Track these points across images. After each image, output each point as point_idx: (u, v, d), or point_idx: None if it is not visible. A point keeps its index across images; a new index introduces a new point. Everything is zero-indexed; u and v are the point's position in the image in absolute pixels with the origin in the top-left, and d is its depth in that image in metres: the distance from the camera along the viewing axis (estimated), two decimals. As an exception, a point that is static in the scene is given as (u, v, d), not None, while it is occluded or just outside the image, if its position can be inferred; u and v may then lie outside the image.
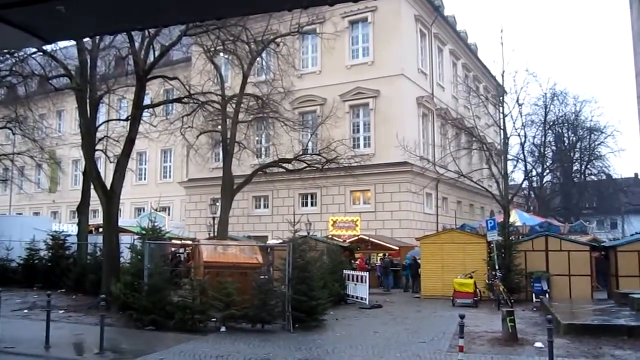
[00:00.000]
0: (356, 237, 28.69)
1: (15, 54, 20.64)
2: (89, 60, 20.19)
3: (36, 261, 25.00)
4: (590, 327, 13.73)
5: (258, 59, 23.51)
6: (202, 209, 35.93)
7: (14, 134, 29.80)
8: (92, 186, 21.54)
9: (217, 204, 25.25)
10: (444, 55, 39.11)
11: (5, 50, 17.64)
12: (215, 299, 14.11)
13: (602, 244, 25.23)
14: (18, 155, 30.48)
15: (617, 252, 21.46)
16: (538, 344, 12.13)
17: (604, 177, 49.38)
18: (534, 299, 20.35)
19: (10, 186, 40.66)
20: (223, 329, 14.13)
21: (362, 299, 20.04)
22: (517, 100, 28.28)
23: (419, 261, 24.33)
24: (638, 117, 16.22)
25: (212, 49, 21.58)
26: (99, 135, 22.38)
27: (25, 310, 17.25)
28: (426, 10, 35.61)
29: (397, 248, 28.24)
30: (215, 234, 23.76)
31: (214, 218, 27.25)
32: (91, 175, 20.41)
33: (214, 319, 14.33)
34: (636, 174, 57.09)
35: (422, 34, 35.55)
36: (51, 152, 32.94)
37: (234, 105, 22.75)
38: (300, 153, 25.59)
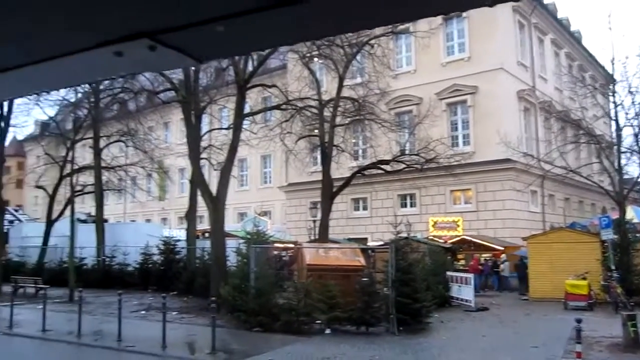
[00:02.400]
0: (458, 238, 28.01)
1: (127, 72, 21.95)
2: (192, 74, 21.14)
3: (150, 265, 26.51)
4: None
5: (353, 61, 23.59)
6: (302, 212, 36.52)
7: (126, 146, 31.78)
8: (198, 193, 22.49)
9: (317, 207, 25.56)
10: (545, 46, 37.34)
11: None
12: (319, 301, 14.27)
13: None
14: (130, 166, 32.52)
15: None
16: (665, 351, 11.25)
17: None
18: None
19: (124, 195, 43.38)
20: (328, 331, 14.27)
21: (467, 301, 19.52)
22: (629, 89, 26.41)
23: (525, 262, 23.37)
24: None
25: (308, 54, 21.90)
26: (203, 144, 23.38)
27: (143, 312, 18.30)
28: (524, 0, 34.17)
29: (501, 248, 27.26)
30: (316, 236, 24.08)
31: (314, 221, 27.62)
32: (198, 182, 21.33)
33: (319, 321, 14.50)
34: None
35: (521, 25, 34.15)
36: (160, 162, 34.82)
37: (331, 109, 22.98)
38: (399, 154, 25.38)
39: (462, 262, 26.99)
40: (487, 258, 27.56)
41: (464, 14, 31.93)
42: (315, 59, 24.14)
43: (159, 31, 0.88)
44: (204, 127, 25.18)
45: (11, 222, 39.97)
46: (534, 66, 34.91)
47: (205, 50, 0.97)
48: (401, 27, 24.56)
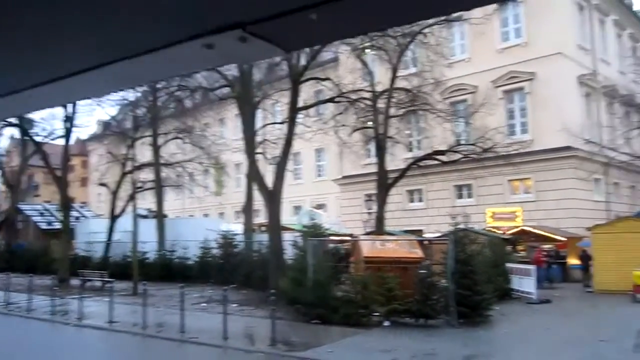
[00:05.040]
0: (518, 229, 27.34)
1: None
2: (247, 69, 21.39)
3: (209, 259, 27.07)
4: None
5: (406, 51, 23.32)
6: (356, 205, 36.45)
7: (184, 143, 32.52)
8: (254, 187, 22.79)
9: (372, 199, 25.45)
10: (606, 27, 35.81)
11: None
12: (377, 293, 14.24)
13: None
14: (188, 162, 33.26)
15: None
16: None
17: None
18: None
19: (182, 191, 44.45)
20: (386, 323, 14.23)
21: (528, 293, 19.05)
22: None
23: (589, 253, 22.61)
24: None
25: (361, 46, 21.78)
26: (257, 139, 23.65)
27: (204, 304, 18.71)
28: (584, -19, 32.90)
29: (564, 239, 26.45)
30: (371, 229, 24.00)
31: (369, 213, 27.55)
32: (254, 177, 21.62)
33: (377, 314, 14.47)
34: None
35: (580, 7, 32.86)
36: (216, 158, 35.46)
37: (384, 100, 22.81)
38: (454, 144, 24.97)
39: (522, 253, 26.31)
40: (549, 249, 26.79)
41: (520, -2, 31.02)
42: (368, 50, 23.99)
43: (251, 22, 0.88)
44: (259, 122, 25.47)
45: (77, 218, 41.70)
46: (595, 49, 33.55)
47: (295, 40, 0.96)
48: (455, 14, 24.09)
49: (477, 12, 26.74)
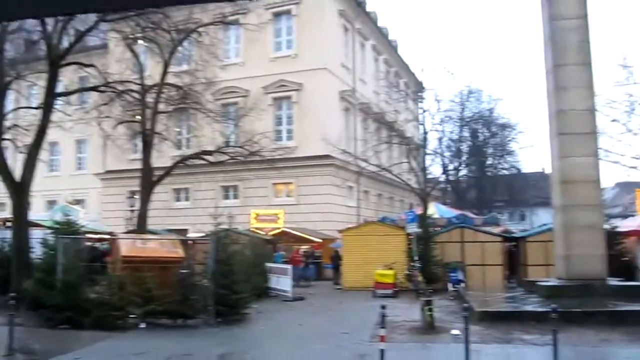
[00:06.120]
0: (279, 230, 28.68)
1: None
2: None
3: None
4: (502, 314, 14.44)
5: (179, 48, 22.94)
6: (119, 201, 34.67)
7: None
8: (-1, 178, 20.26)
9: (136, 196, 24.47)
10: (366, 51, 39.70)
11: None
12: (134, 294, 13.69)
13: (513, 235, 26.49)
14: None
15: (526, 243, 22.63)
16: (454, 332, 12.55)
17: (515, 171, 52.16)
18: (451, 289, 21.08)
19: None
20: (143, 325, 13.74)
21: (284, 291, 20.07)
22: (436, 97, 29.22)
23: (340, 253, 24.68)
24: (548, 113, 17.14)
25: (132, 36, 20.82)
26: (7, 123, 21.08)
27: None
28: (350, 5, 36.01)
29: (320, 240, 28.50)
30: (134, 227, 23.05)
31: (132, 211, 26.41)
32: (-1, 166, 19.19)
33: (134, 315, 13.90)
34: (543, 169, 60.15)
35: (346, 29, 35.92)
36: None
37: (154, 95, 22.11)
38: (223, 145, 25.26)
39: (282, 253, 27.62)
40: (305, 250, 28.57)
41: (293, 12, 32.74)
42: (140, 41, 23.03)
43: None
44: (9, 105, 22.75)
45: None
46: (355, 69, 36.94)
47: None
48: (231, 17, 24.44)
49: (252, 19, 27.52)
